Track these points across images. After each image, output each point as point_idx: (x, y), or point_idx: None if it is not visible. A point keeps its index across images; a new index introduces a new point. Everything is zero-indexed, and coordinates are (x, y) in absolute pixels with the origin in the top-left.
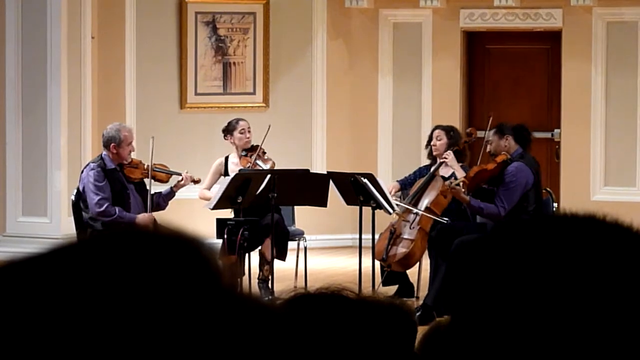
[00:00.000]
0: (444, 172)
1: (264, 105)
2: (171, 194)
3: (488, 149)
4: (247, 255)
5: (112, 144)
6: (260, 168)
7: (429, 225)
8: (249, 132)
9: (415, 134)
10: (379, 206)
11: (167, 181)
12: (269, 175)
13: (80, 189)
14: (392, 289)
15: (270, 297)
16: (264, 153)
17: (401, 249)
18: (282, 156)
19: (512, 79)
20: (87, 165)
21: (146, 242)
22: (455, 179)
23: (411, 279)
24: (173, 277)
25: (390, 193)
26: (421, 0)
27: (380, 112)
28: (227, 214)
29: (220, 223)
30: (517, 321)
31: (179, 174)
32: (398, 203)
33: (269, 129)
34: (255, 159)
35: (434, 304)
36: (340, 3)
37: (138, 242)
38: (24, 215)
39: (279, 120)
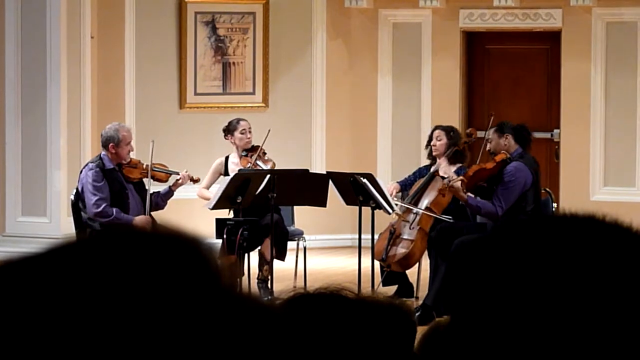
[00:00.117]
0: (444, 172)
1: (263, 105)
2: (170, 193)
3: (488, 148)
4: (246, 255)
5: (111, 144)
6: (261, 169)
7: (429, 226)
8: (250, 132)
9: (414, 134)
10: (379, 206)
11: (166, 181)
12: (268, 175)
13: (79, 189)
14: (391, 289)
15: (269, 297)
16: (264, 154)
17: (401, 249)
18: (281, 156)
19: (512, 79)
20: (86, 165)
21: (145, 242)
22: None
23: (411, 279)
24: (172, 276)
25: (391, 194)
26: (421, 1)
27: (380, 112)
28: (227, 213)
29: (220, 223)
30: (516, 321)
31: (178, 173)
32: (398, 203)
33: (268, 132)
34: (256, 160)
35: (434, 304)
36: (339, 3)
37: (136, 242)
38: (23, 215)
39: (279, 120)
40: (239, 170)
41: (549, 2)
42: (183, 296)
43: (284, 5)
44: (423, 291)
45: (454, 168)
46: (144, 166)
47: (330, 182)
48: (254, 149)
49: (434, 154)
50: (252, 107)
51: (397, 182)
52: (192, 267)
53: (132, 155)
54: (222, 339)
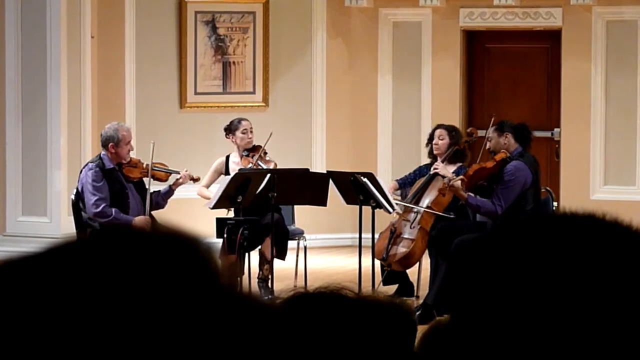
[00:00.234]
0: (444, 171)
1: (263, 104)
2: (170, 192)
3: (487, 146)
4: (247, 254)
5: (111, 144)
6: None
7: (430, 225)
8: (251, 132)
9: (415, 133)
10: (379, 205)
11: (166, 180)
12: (268, 175)
13: (79, 189)
14: (392, 289)
15: (269, 296)
16: (266, 154)
17: (401, 249)
18: (281, 155)
19: (512, 78)
20: (86, 165)
21: (144, 241)
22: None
23: (411, 278)
24: (171, 276)
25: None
26: (421, 0)
27: (380, 112)
28: (225, 213)
29: (220, 222)
30: (516, 320)
31: (178, 173)
32: (398, 202)
33: (270, 135)
34: (257, 160)
35: (434, 303)
36: (339, 2)
37: (136, 241)
38: (23, 215)
39: (279, 119)
40: (239, 170)
41: (549, 1)
42: (182, 296)
43: (284, 5)
44: (423, 290)
45: (454, 167)
46: (144, 165)
47: (331, 181)
48: (255, 149)
49: (435, 152)
50: (252, 106)
51: (397, 180)
52: (191, 267)
53: (132, 154)
54: (222, 338)
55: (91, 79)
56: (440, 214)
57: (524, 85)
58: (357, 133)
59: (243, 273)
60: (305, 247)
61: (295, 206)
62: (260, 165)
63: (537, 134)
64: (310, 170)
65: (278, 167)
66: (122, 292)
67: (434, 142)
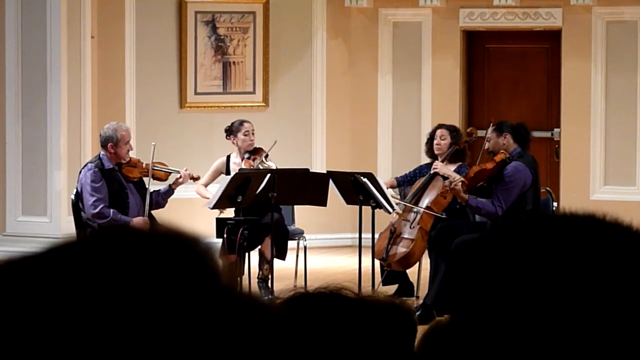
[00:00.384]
0: (444, 170)
1: (263, 104)
2: (170, 191)
3: (486, 147)
4: (246, 254)
5: (110, 144)
6: None
7: (429, 225)
8: (253, 134)
9: (415, 133)
10: (379, 205)
11: (166, 179)
12: (268, 175)
13: (78, 189)
14: (392, 289)
15: (269, 296)
16: (267, 156)
17: (401, 249)
18: (281, 155)
19: (512, 78)
20: (85, 165)
21: (144, 241)
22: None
23: (411, 279)
24: (171, 275)
25: (387, 188)
26: (421, 0)
27: (380, 112)
28: (220, 213)
29: (220, 222)
30: (516, 320)
31: (178, 172)
32: (398, 202)
33: (274, 143)
34: (259, 165)
35: (434, 303)
36: (339, 2)
37: (136, 241)
38: (23, 215)
39: (279, 119)
40: (239, 170)
41: (549, 1)
42: (182, 296)
43: (284, 5)
44: (423, 290)
45: (454, 167)
46: (144, 165)
47: (331, 181)
48: (256, 151)
49: (436, 153)
50: (252, 106)
51: (396, 177)
52: (191, 267)
53: (132, 154)
54: (222, 338)
55: (91, 79)
56: (436, 214)
57: (524, 86)
58: (357, 133)
59: (243, 273)
60: (305, 247)
61: (295, 206)
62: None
63: (537, 134)
64: (310, 170)
65: (278, 167)
66: (122, 292)
67: (435, 142)
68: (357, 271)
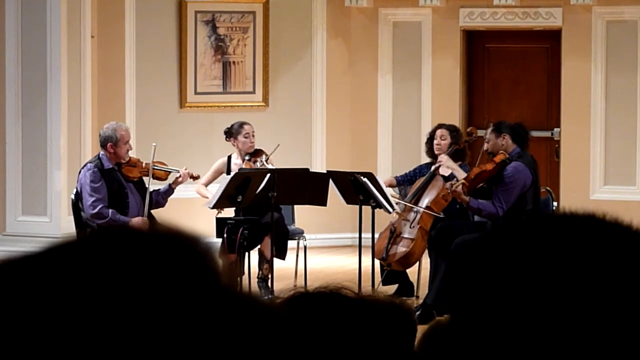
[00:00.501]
0: (445, 171)
1: (263, 104)
2: (170, 191)
3: (485, 148)
4: (246, 254)
5: (109, 144)
6: None
7: (429, 225)
8: (253, 136)
9: (415, 133)
10: (379, 205)
11: (165, 179)
12: (268, 174)
13: (78, 189)
14: (392, 289)
15: (269, 296)
16: (268, 159)
17: (401, 248)
18: (281, 155)
19: (512, 78)
20: (85, 165)
21: (144, 241)
22: (456, 178)
23: (411, 278)
24: (171, 275)
25: (386, 187)
26: (420, 0)
27: (380, 111)
28: (226, 212)
29: (220, 222)
30: (516, 320)
31: (178, 171)
32: (398, 201)
33: (277, 147)
34: (260, 166)
35: (434, 303)
36: (339, 2)
37: (136, 240)
38: (23, 215)
39: (279, 119)
40: (239, 169)
41: (549, 1)
42: (182, 295)
43: (284, 5)
44: (423, 290)
45: None
46: (144, 165)
47: (331, 181)
48: (257, 152)
49: (436, 152)
50: (252, 106)
51: (396, 176)
52: (191, 266)
53: (132, 154)
54: (222, 338)
55: (91, 79)
56: (435, 214)
57: (524, 85)
58: (357, 133)
59: (243, 273)
60: (305, 247)
61: (295, 206)
62: None
63: (537, 133)
64: (310, 170)
65: (278, 166)
66: (122, 292)
67: (435, 142)
68: (357, 271)
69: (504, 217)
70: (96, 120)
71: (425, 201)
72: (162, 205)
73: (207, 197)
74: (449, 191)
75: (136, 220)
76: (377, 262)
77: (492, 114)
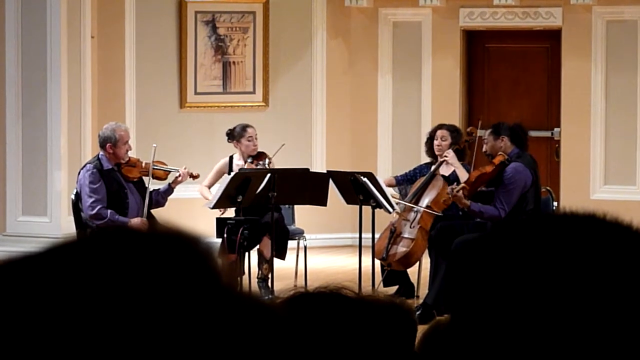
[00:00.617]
0: (445, 170)
1: (263, 104)
2: (169, 190)
3: (484, 149)
4: (247, 254)
5: (108, 144)
6: None
7: (429, 224)
8: (256, 139)
9: (415, 133)
10: (379, 205)
11: (165, 178)
12: (268, 175)
13: (77, 190)
14: (392, 290)
15: (270, 296)
16: (270, 162)
17: (401, 248)
18: (281, 155)
19: (512, 77)
20: (84, 166)
21: (144, 240)
22: (457, 178)
23: (411, 279)
24: (171, 275)
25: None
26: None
27: (380, 111)
28: (227, 212)
29: (220, 222)
30: (517, 320)
31: (177, 170)
32: (398, 201)
33: (282, 146)
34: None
35: (434, 303)
36: (339, 2)
37: (136, 240)
38: (24, 215)
39: (279, 119)
40: (239, 169)
41: (549, 1)
42: (182, 295)
43: (284, 5)
44: (423, 290)
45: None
46: (143, 165)
47: (331, 181)
48: (259, 155)
49: (437, 153)
50: (252, 106)
51: (396, 176)
52: (191, 266)
53: (132, 154)
54: (222, 338)
55: (91, 79)
56: (434, 212)
57: (524, 85)
58: (357, 133)
59: (243, 273)
60: (305, 247)
61: (295, 206)
62: None
63: (537, 133)
64: (310, 170)
65: (278, 166)
66: (122, 292)
67: (436, 142)
68: (357, 271)
69: (506, 219)
70: (96, 121)
71: (425, 201)
72: (162, 205)
73: (208, 199)
74: (450, 196)
75: (135, 221)
76: (377, 262)
77: (492, 114)
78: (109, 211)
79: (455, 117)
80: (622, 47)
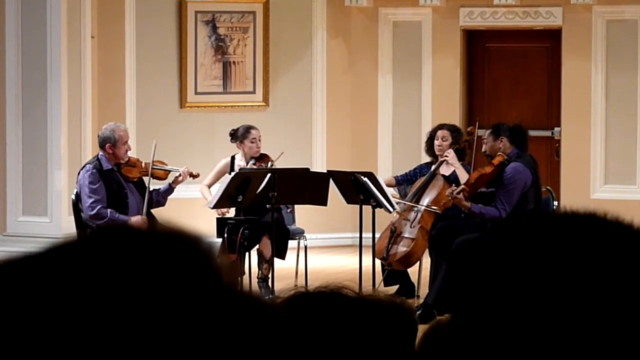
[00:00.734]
0: (445, 170)
1: (263, 104)
2: (169, 190)
3: (483, 149)
4: (247, 254)
5: (108, 144)
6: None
7: (430, 224)
8: (260, 140)
9: (415, 133)
10: (379, 205)
11: (165, 178)
12: (268, 175)
13: (77, 190)
14: (393, 289)
15: (270, 295)
16: (273, 165)
17: (402, 248)
18: (281, 156)
19: (512, 77)
20: (84, 167)
21: (145, 240)
22: (456, 178)
23: (412, 278)
24: (172, 274)
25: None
26: None
27: (380, 111)
28: (221, 213)
29: (221, 222)
30: (517, 320)
31: (177, 170)
32: (399, 201)
33: (280, 154)
34: None
35: (435, 302)
36: (339, 2)
37: (136, 240)
38: (24, 215)
39: (279, 119)
40: (240, 169)
41: (549, 1)
42: (183, 294)
43: (284, 5)
44: (424, 290)
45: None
46: (143, 164)
47: (331, 180)
48: (262, 157)
49: (437, 153)
50: (252, 106)
51: (396, 176)
52: (191, 266)
53: (132, 154)
54: (223, 337)
55: (91, 79)
56: (433, 210)
57: (524, 85)
58: (357, 133)
59: (243, 273)
60: (305, 247)
61: (296, 206)
62: None
63: (538, 133)
64: (311, 170)
65: (278, 166)
66: (123, 292)
67: (437, 142)
68: (358, 271)
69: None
70: (96, 121)
71: (425, 201)
72: (162, 205)
73: (208, 199)
74: (450, 198)
75: (135, 219)
76: (377, 261)
77: (493, 113)
78: (108, 210)
79: (455, 117)
80: (622, 47)
